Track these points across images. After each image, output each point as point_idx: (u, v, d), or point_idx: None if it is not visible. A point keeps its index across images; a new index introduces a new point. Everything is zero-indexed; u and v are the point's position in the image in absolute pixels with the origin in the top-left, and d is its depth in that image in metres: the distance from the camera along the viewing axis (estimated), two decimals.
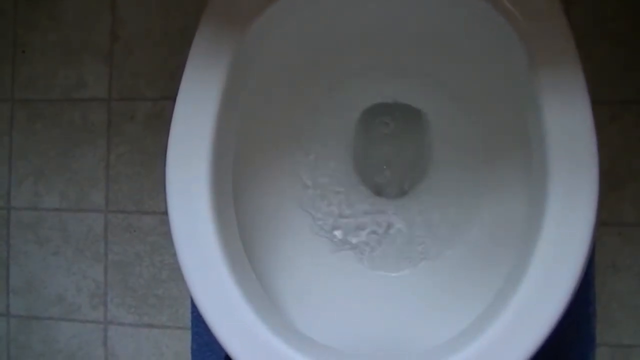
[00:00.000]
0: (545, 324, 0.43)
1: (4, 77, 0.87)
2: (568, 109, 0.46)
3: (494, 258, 0.60)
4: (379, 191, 0.67)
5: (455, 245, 0.62)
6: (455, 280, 0.61)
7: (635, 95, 0.73)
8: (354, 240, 0.65)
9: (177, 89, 0.51)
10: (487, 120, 0.62)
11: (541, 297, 0.43)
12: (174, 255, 0.48)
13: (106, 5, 0.85)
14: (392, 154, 0.69)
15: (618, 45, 0.73)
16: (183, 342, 0.81)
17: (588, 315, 0.71)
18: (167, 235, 0.49)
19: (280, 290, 0.59)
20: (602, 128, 0.72)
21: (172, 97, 0.51)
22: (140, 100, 0.83)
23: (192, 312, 0.80)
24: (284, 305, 0.58)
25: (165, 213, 0.50)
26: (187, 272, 0.47)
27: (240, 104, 0.55)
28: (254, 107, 0.58)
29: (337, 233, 0.65)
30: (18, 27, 0.87)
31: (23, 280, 0.86)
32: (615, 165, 0.72)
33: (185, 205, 0.48)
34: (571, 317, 0.69)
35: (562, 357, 0.70)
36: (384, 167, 0.69)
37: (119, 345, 0.83)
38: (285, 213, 0.63)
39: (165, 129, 0.50)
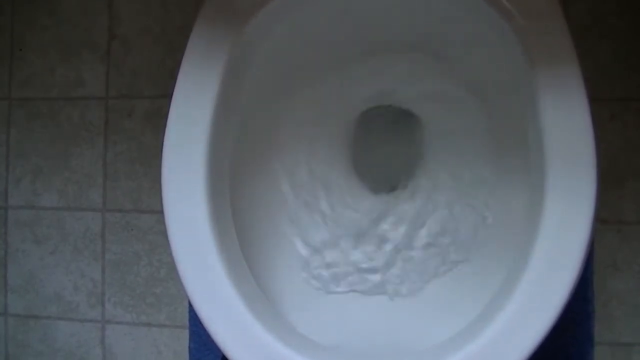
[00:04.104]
0: (544, 323, 0.43)
1: (1, 75, 0.87)
2: (566, 107, 0.46)
3: (492, 256, 0.59)
4: (376, 190, 0.67)
5: (455, 242, 0.62)
6: (454, 278, 0.61)
7: (635, 93, 0.72)
8: (353, 236, 0.64)
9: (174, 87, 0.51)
10: (484, 119, 0.62)
11: (540, 296, 0.43)
12: (172, 254, 0.48)
13: (104, 3, 0.84)
14: (390, 154, 0.69)
15: (618, 43, 0.72)
16: (181, 341, 0.81)
17: (587, 313, 0.71)
18: (165, 234, 0.48)
19: (278, 291, 0.59)
20: (602, 126, 0.72)
21: (169, 95, 0.51)
22: (138, 98, 0.83)
23: (190, 311, 0.79)
24: (282, 305, 0.57)
25: (163, 212, 0.49)
26: (183, 272, 0.47)
27: (237, 103, 0.55)
28: (251, 106, 0.58)
29: (338, 229, 0.64)
30: (15, 25, 0.87)
31: (21, 279, 0.86)
32: (615, 163, 0.72)
33: (182, 206, 0.48)
34: (570, 316, 0.69)
35: (561, 356, 0.70)
36: (382, 167, 0.68)
37: (117, 344, 0.83)
38: (285, 213, 0.63)
39: (163, 127, 0.50)
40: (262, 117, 0.62)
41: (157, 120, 0.83)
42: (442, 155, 0.64)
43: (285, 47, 0.60)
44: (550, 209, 0.44)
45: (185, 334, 0.80)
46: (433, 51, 0.63)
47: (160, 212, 0.81)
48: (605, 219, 0.72)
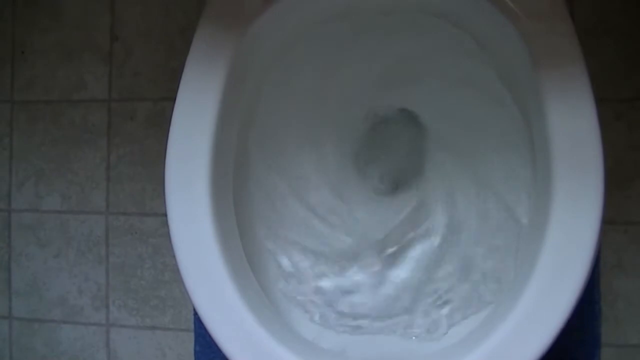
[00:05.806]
0: (552, 325, 0.43)
1: (4, 78, 0.87)
2: (572, 109, 0.45)
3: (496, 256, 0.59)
4: (378, 191, 0.66)
5: (457, 244, 0.62)
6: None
7: None
8: (352, 234, 0.64)
9: (177, 89, 0.51)
10: (487, 121, 0.61)
11: (548, 298, 0.43)
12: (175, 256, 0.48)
13: (106, 5, 0.84)
14: (391, 157, 0.68)
15: (623, 42, 0.72)
16: (186, 344, 0.81)
17: (593, 314, 0.70)
18: (169, 236, 0.48)
19: (281, 292, 0.58)
20: (608, 126, 0.71)
21: (172, 98, 0.51)
22: (141, 100, 0.83)
23: (195, 314, 0.79)
24: (285, 308, 0.57)
25: (166, 214, 0.49)
26: (186, 275, 0.47)
27: (240, 105, 0.54)
28: (253, 108, 0.58)
29: (339, 228, 0.64)
30: (17, 27, 0.87)
31: (25, 283, 0.86)
32: (621, 164, 0.72)
33: (185, 209, 0.48)
34: (576, 317, 0.69)
35: (567, 357, 0.70)
36: (384, 169, 0.68)
37: (121, 348, 0.83)
38: (287, 218, 0.63)
39: (166, 130, 0.50)
40: (265, 118, 0.62)
41: (160, 122, 0.82)
42: (443, 157, 0.63)
43: (288, 48, 0.60)
44: (557, 212, 0.44)
45: (190, 336, 0.80)
46: (436, 53, 0.62)
47: (164, 214, 0.81)
48: (612, 220, 0.72)
